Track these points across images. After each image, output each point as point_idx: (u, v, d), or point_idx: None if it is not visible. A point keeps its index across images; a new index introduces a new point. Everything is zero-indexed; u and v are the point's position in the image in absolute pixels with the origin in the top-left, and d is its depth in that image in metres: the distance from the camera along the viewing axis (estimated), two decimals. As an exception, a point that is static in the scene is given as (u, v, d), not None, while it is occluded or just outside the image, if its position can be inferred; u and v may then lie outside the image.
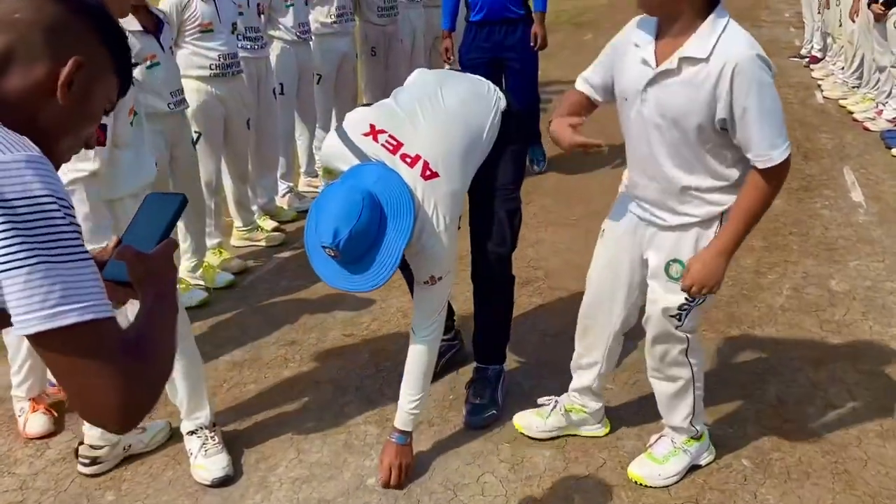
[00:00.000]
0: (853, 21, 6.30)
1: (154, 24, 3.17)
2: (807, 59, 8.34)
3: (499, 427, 2.54)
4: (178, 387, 2.40)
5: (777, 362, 2.84)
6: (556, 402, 2.46)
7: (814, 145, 5.46)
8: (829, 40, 7.82)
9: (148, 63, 3.11)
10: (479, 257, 2.51)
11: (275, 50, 4.41)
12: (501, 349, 2.70)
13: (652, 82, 1.88)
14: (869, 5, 5.68)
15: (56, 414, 2.68)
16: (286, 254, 4.07)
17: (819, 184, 4.67)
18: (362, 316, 3.36)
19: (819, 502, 2.15)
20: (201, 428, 2.42)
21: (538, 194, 4.72)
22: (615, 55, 2.05)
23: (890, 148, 5.22)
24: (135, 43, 3.07)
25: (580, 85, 2.18)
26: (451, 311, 2.88)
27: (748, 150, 1.83)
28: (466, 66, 4.73)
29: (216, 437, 2.42)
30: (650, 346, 2.20)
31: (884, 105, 5.77)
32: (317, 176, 5.01)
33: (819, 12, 8.08)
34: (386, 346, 3.08)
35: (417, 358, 2.27)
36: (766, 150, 1.81)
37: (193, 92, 3.49)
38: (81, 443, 2.44)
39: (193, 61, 3.57)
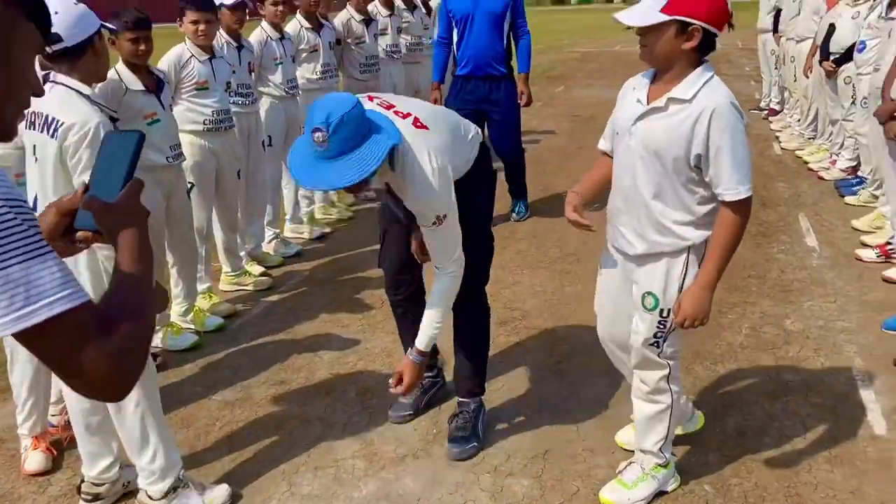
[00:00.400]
0: (807, 77, 6.72)
1: (155, 84, 3.39)
2: (766, 112, 8.80)
3: (480, 458, 2.71)
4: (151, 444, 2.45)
5: (736, 396, 3.06)
6: (631, 462, 2.53)
7: (771, 193, 5.79)
8: (786, 94, 8.28)
9: (149, 120, 3.33)
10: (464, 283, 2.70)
11: (264, 105, 4.66)
12: (481, 382, 2.89)
13: (641, 117, 2.16)
14: (821, 62, 6.09)
15: (55, 452, 2.82)
16: (274, 297, 4.24)
17: (776, 230, 4.97)
18: (348, 356, 3.53)
19: (773, 523, 2.35)
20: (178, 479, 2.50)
21: (514, 239, 4.96)
22: (617, 104, 2.33)
23: (843, 196, 5.56)
24: (138, 101, 3.30)
25: (601, 145, 2.46)
26: (434, 350, 3.07)
27: (718, 186, 2.09)
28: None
29: (189, 485, 2.51)
30: (635, 371, 2.42)
31: (837, 155, 6.14)
32: (302, 223, 5.21)
33: (776, 67, 8.56)
34: (372, 385, 3.24)
35: (444, 288, 2.48)
36: (735, 185, 2.07)
37: (187, 145, 3.70)
38: (83, 480, 2.57)
39: (188, 116, 3.79)
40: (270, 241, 4.81)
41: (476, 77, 5.04)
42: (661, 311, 2.25)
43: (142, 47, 3.24)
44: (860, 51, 5.34)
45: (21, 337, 0.87)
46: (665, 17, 2.01)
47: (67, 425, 2.84)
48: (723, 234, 2.12)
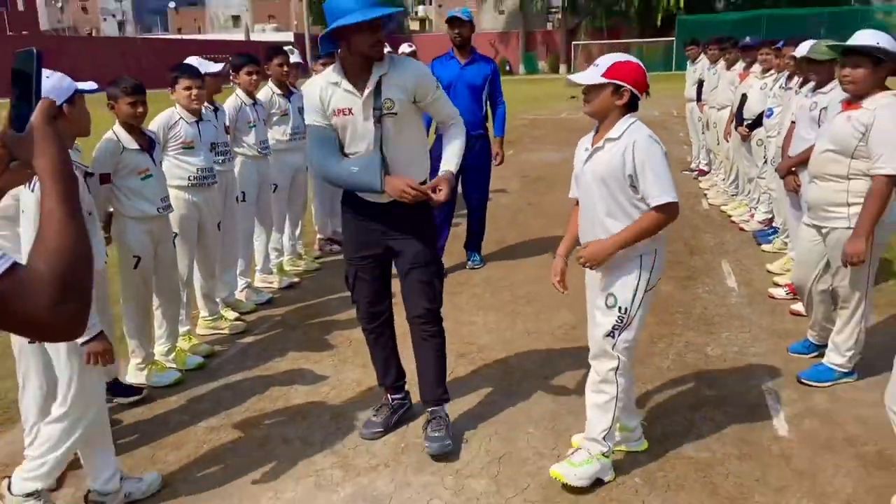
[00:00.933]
0: (727, 140, 7.48)
1: (148, 143, 3.80)
2: (696, 173, 9.60)
3: (443, 464, 3.10)
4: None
5: (663, 408, 3.53)
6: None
7: (698, 243, 6.42)
8: (712, 156, 9.08)
9: (142, 175, 3.73)
10: (416, 316, 3.24)
11: (238, 163, 5.08)
12: (446, 390, 3.35)
13: (589, 157, 2.80)
14: (736, 128, 6.84)
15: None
16: (249, 339, 4.59)
17: (701, 273, 5.56)
18: (321, 387, 3.90)
19: (692, 506, 2.79)
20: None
21: (470, 285, 5.43)
22: (574, 158, 2.97)
23: (760, 244, 6.21)
24: (134, 159, 3.70)
25: (570, 194, 3.05)
26: (402, 373, 3.49)
27: (647, 197, 2.68)
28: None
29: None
30: (592, 361, 2.92)
31: (755, 209, 6.84)
32: (272, 273, 5.59)
33: (703, 132, 9.39)
34: (345, 410, 3.62)
35: (459, 129, 3.29)
36: (658, 194, 2.65)
37: (174, 199, 4.07)
38: (90, 491, 2.87)
39: (175, 172, 4.20)
40: (242, 290, 5.17)
41: None
42: (620, 308, 2.79)
43: (139, 110, 3.66)
44: (768, 117, 6.09)
45: None
46: (604, 80, 2.68)
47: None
48: (641, 223, 2.71)
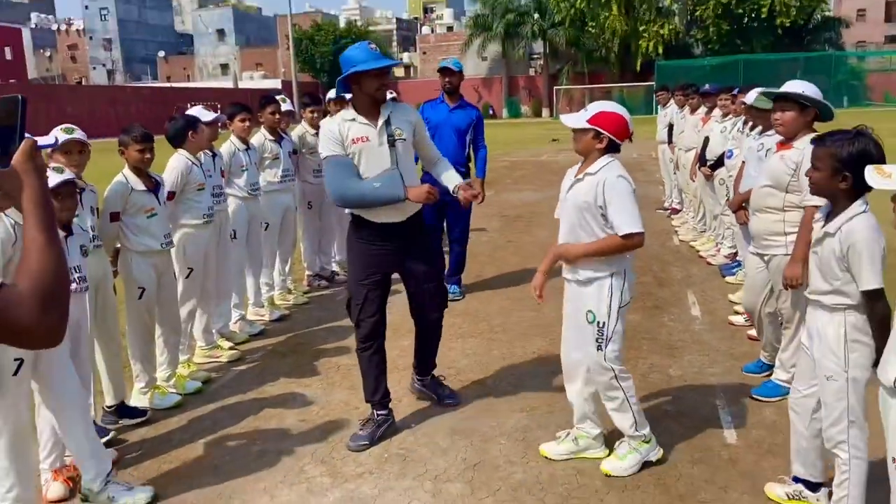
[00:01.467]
0: (693, 180, 7.94)
1: (153, 184, 4.16)
2: (668, 211, 10.06)
3: (423, 470, 3.41)
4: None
5: (625, 422, 3.86)
6: (569, 432, 3.54)
7: (667, 276, 6.82)
8: (683, 195, 9.55)
9: (148, 214, 4.08)
10: (431, 321, 4.04)
11: (231, 204, 5.44)
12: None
13: (571, 186, 3.29)
14: (700, 168, 7.30)
15: (72, 484, 3.38)
16: (243, 367, 4.90)
17: (668, 304, 5.94)
18: (312, 408, 4.20)
19: (644, 502, 3.11)
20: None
21: (450, 315, 5.68)
22: (563, 182, 3.43)
23: (724, 276, 6.61)
24: (142, 199, 4.05)
25: (556, 214, 3.46)
26: (388, 392, 3.82)
27: (615, 227, 3.12)
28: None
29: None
30: (592, 380, 3.35)
31: (720, 244, 7.27)
32: (263, 306, 5.91)
33: (674, 173, 9.88)
34: (334, 427, 3.93)
35: (448, 162, 4.19)
36: (622, 225, 3.09)
37: (188, 235, 4.45)
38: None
39: (191, 213, 4.57)
40: (236, 322, 5.49)
41: None
42: (598, 322, 3.20)
43: (147, 156, 4.03)
44: (728, 157, 6.53)
45: None
46: (587, 125, 3.19)
47: (75, 468, 3.44)
48: (608, 240, 3.15)
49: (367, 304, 3.73)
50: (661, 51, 44.50)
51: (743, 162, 5.23)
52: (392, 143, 3.63)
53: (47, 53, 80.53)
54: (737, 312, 5.57)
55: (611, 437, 3.52)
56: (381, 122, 3.64)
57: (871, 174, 2.10)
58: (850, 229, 2.57)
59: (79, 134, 3.62)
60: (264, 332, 5.57)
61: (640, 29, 44.85)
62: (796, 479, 3.06)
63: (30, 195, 1.27)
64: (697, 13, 44.92)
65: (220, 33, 74.69)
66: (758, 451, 3.51)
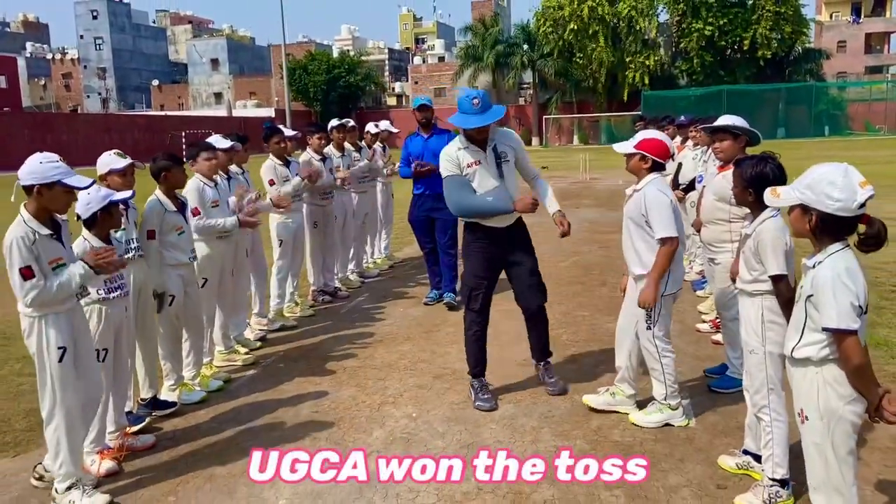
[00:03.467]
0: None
1: (181, 205, 4.72)
2: (648, 233, 10.69)
3: (423, 448, 3.93)
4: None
5: (600, 410, 4.41)
6: (608, 388, 4.40)
7: (643, 290, 7.41)
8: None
9: (178, 231, 4.63)
10: (534, 309, 4.77)
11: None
12: (550, 350, 4.91)
13: (626, 200, 4.13)
14: (673, 191, 7.92)
15: (119, 459, 3.89)
16: (258, 370, 5.43)
17: (643, 314, 6.52)
18: (323, 402, 4.73)
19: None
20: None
21: (447, 324, 6.34)
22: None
23: (695, 290, 7.21)
24: (173, 218, 4.60)
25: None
26: (485, 364, 4.80)
27: (654, 232, 3.89)
28: (413, 220, 7.13)
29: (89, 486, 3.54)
30: (624, 361, 4.22)
31: (693, 262, 7.87)
32: (265, 317, 6.44)
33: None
34: (344, 417, 4.46)
35: (545, 184, 4.81)
36: (659, 230, 3.85)
37: (207, 249, 5.00)
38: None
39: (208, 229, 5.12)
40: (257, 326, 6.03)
41: (427, 194, 6.92)
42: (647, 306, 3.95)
43: (186, 177, 4.60)
44: (699, 182, 7.17)
45: None
46: (634, 150, 3.96)
47: (121, 447, 3.96)
48: (657, 258, 3.90)
49: (481, 293, 4.67)
50: (646, 81, 45.71)
51: (703, 186, 5.85)
52: (499, 164, 4.51)
53: (41, 82, 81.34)
54: (703, 321, 6.15)
55: (642, 404, 4.30)
56: (489, 148, 4.53)
57: (767, 195, 2.70)
58: (760, 230, 3.18)
59: (129, 159, 4.20)
60: (267, 340, 6.11)
61: (627, 60, 46.14)
62: (746, 452, 3.61)
63: None
64: (682, 45, 46.29)
65: (214, 62, 75.83)
66: (712, 433, 4.07)
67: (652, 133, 4.05)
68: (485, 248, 4.62)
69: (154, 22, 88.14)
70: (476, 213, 4.56)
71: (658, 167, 4.00)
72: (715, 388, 4.66)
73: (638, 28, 45.75)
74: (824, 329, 2.46)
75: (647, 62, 45.68)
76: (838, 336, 2.42)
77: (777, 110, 45.35)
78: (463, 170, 4.50)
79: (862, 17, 65.40)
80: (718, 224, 4.56)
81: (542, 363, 4.89)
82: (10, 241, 3.28)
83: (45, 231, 3.35)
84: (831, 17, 67.59)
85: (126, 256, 4.08)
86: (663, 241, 3.86)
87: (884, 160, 23.03)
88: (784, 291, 3.11)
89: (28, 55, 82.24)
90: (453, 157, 4.52)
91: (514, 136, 4.76)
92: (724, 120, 4.44)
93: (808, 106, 44.67)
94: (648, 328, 4.04)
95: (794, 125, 44.17)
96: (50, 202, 3.35)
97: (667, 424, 4.12)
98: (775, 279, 3.15)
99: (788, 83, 45.85)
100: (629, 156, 4.02)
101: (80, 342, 3.52)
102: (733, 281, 4.25)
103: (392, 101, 70.82)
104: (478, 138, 4.48)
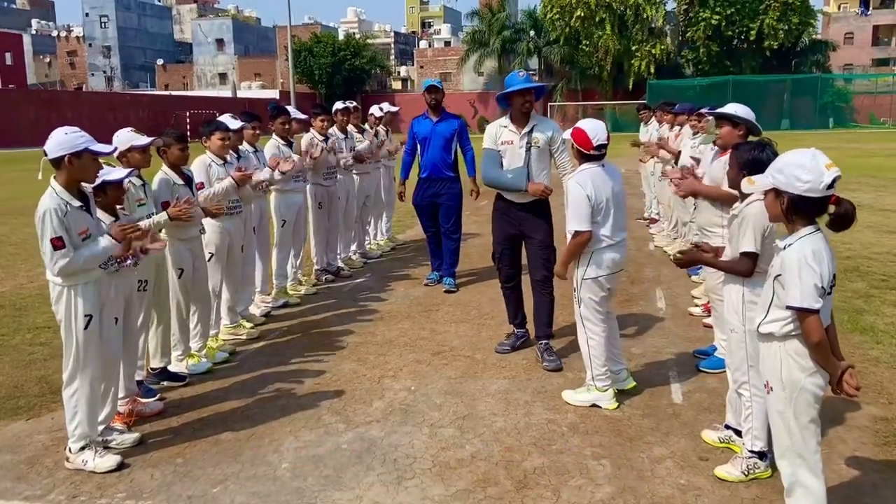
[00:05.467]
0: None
1: (187, 179, 4.86)
2: (647, 221, 10.82)
3: (421, 418, 4.11)
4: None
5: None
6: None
7: (639, 275, 7.58)
8: (661, 206, 10.31)
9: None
10: (538, 280, 5.05)
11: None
12: (552, 328, 5.13)
13: None
14: (672, 179, 8.05)
15: (129, 424, 4.07)
16: (262, 343, 5.60)
17: (638, 298, 6.69)
18: (325, 375, 4.90)
19: (602, 443, 3.82)
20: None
21: (445, 305, 6.51)
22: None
23: (690, 276, 7.36)
24: (181, 191, 4.75)
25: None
26: (525, 316, 5.27)
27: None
28: (417, 204, 7.19)
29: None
30: None
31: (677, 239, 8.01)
32: (269, 294, 6.60)
33: (654, 186, 10.64)
34: (346, 388, 4.63)
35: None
36: (568, 224, 4.07)
37: (213, 225, 5.14)
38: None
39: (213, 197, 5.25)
40: (258, 303, 6.19)
41: (432, 178, 7.00)
42: (574, 287, 4.16)
43: (187, 153, 4.75)
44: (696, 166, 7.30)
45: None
46: (568, 137, 4.11)
47: (130, 413, 4.14)
48: (567, 245, 4.11)
49: (504, 257, 5.22)
50: (652, 70, 45.58)
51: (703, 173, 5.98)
52: (528, 148, 4.93)
53: (46, 59, 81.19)
54: (696, 305, 6.31)
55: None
56: (524, 131, 4.94)
57: (744, 184, 2.85)
58: (745, 210, 3.33)
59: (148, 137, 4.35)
60: (271, 316, 6.28)
61: (633, 49, 45.96)
62: (727, 427, 3.78)
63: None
64: (688, 34, 46.09)
65: (219, 43, 75.55)
66: (698, 409, 4.24)
67: (582, 122, 4.19)
68: (503, 218, 5.16)
69: (159, 1, 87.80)
70: (495, 185, 5.10)
71: (588, 157, 4.12)
72: (703, 368, 4.83)
73: (645, 16, 45.54)
74: (788, 307, 2.61)
75: (653, 51, 45.53)
76: (801, 314, 2.58)
77: (782, 101, 45.24)
78: (497, 145, 5.02)
79: (871, 8, 65.03)
80: (711, 208, 4.71)
81: (542, 341, 5.06)
82: (43, 212, 3.43)
83: (76, 203, 3.50)
84: (839, 8, 67.25)
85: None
86: (573, 234, 4.08)
87: (887, 153, 23.09)
88: (744, 269, 3.30)
89: (33, 32, 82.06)
90: (493, 132, 5.08)
91: (554, 126, 5.10)
92: (729, 108, 4.57)
93: (814, 97, 44.55)
94: (578, 306, 4.25)
95: (799, 116, 44.07)
96: (80, 171, 3.49)
97: (594, 405, 4.24)
98: (744, 254, 3.31)
99: (794, 74, 45.70)
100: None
101: (105, 311, 3.68)
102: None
103: (397, 84, 70.67)
104: (523, 110, 4.91)
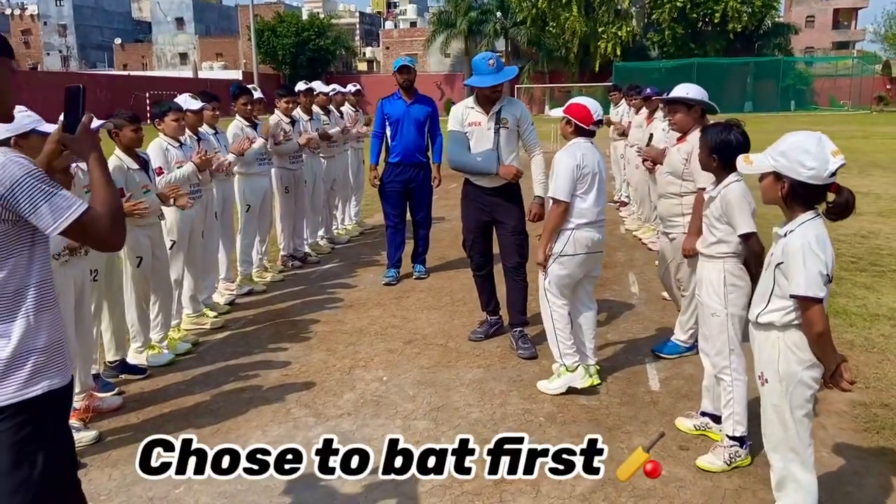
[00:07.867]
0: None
1: (143, 163, 4.62)
2: (618, 204, 10.78)
3: (394, 410, 3.97)
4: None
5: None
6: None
7: (611, 260, 7.51)
8: (631, 189, 10.26)
9: (145, 190, 4.55)
10: (511, 266, 4.92)
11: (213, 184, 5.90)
12: (526, 316, 5.00)
13: None
14: (644, 162, 7.99)
15: (85, 420, 3.86)
16: (227, 333, 5.40)
17: (610, 282, 6.61)
18: (293, 366, 4.73)
19: (580, 433, 3.73)
20: None
21: (416, 291, 6.37)
22: None
23: (663, 260, 7.31)
24: (137, 176, 4.51)
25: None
26: (498, 303, 5.09)
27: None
28: (387, 190, 6.75)
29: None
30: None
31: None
32: (233, 281, 6.38)
33: (624, 168, 10.59)
34: (314, 380, 4.47)
35: (540, 163, 4.87)
36: (551, 190, 4.07)
37: (173, 211, 4.91)
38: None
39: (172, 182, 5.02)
40: (220, 291, 5.98)
41: (405, 164, 6.64)
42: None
43: (141, 135, 4.50)
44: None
45: (65, 234, 1.85)
46: (562, 115, 4.08)
47: (86, 409, 3.93)
48: (548, 214, 4.07)
49: (475, 244, 5.09)
50: (618, 52, 45.67)
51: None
52: (497, 130, 4.79)
53: (-1, 38, 78.44)
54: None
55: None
56: (493, 112, 4.81)
57: (740, 162, 2.72)
58: (726, 192, 3.25)
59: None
60: (236, 304, 6.07)
61: (599, 30, 45.98)
62: (703, 414, 3.71)
63: (93, 159, 1.99)
64: (654, 16, 46.25)
65: (179, 21, 73.73)
66: (675, 396, 4.17)
67: (580, 98, 4.14)
68: (472, 204, 5.01)
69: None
70: (464, 169, 4.94)
71: (584, 132, 4.09)
72: (657, 352, 4.77)
73: (611, -2, 45.57)
74: (792, 296, 2.50)
75: (619, 33, 45.58)
76: (805, 303, 2.47)
77: (745, 84, 45.73)
78: (464, 126, 4.86)
79: (831, -8, 65.89)
80: (671, 198, 4.59)
81: (516, 329, 4.93)
82: None
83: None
84: (801, -9, 67.98)
85: None
86: (553, 201, 4.04)
87: (847, 135, 23.44)
88: (755, 247, 3.22)
89: (-16, 10, 79.19)
90: (459, 114, 4.92)
91: (521, 106, 4.97)
92: (678, 90, 4.44)
93: (776, 80, 45.10)
94: (544, 279, 4.18)
95: (761, 99, 44.61)
96: (28, 153, 3.22)
97: (570, 390, 4.14)
98: (746, 237, 3.24)
99: (757, 57, 46.20)
100: (562, 120, 4.14)
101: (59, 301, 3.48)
102: (686, 257, 4.33)
103: (363, 66, 69.82)
104: (491, 97, 4.76)
